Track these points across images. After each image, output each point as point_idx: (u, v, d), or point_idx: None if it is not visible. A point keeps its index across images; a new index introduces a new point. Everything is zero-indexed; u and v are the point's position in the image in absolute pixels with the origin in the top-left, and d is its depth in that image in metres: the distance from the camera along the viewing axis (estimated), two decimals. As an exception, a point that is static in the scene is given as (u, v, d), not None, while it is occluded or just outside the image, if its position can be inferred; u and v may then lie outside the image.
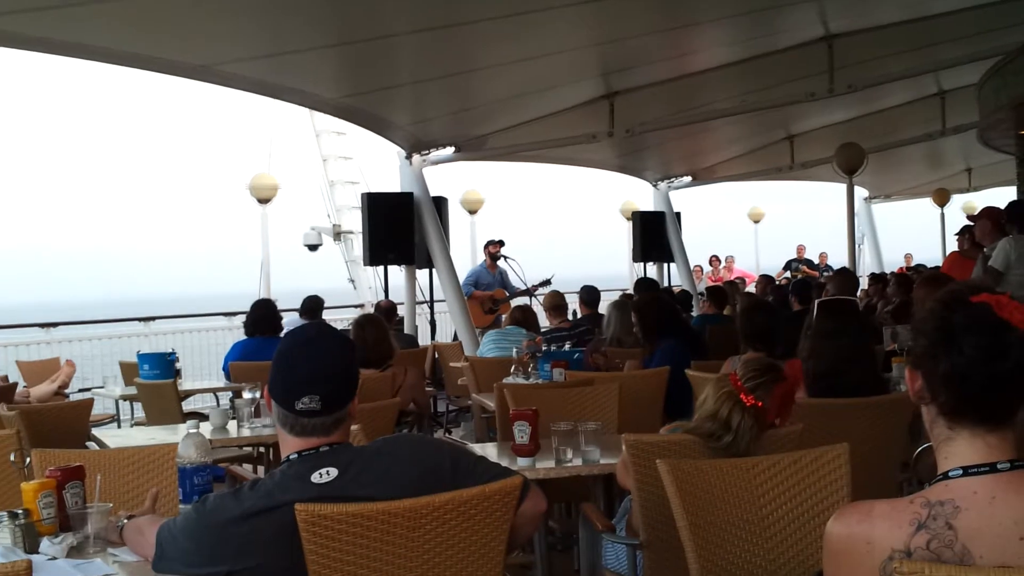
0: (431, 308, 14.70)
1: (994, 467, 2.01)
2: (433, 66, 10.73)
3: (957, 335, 2.01)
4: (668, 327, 7.32)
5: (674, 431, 4.10)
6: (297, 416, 2.88)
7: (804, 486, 3.33)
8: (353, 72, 10.78)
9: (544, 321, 10.44)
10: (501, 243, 14.73)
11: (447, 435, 10.20)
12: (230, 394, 8.41)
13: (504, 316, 12.31)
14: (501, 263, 14.81)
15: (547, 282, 14.81)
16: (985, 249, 9.40)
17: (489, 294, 14.44)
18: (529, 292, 14.61)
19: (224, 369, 9.04)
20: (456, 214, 16.63)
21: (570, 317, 10.25)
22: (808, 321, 5.88)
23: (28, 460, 3.90)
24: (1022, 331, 2.00)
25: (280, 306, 14.93)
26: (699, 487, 3.28)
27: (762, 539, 3.28)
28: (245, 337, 9.19)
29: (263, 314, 9.16)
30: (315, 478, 2.83)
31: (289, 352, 2.96)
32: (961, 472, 2.02)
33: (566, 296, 10.20)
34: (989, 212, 10.05)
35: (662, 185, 19.01)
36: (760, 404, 3.81)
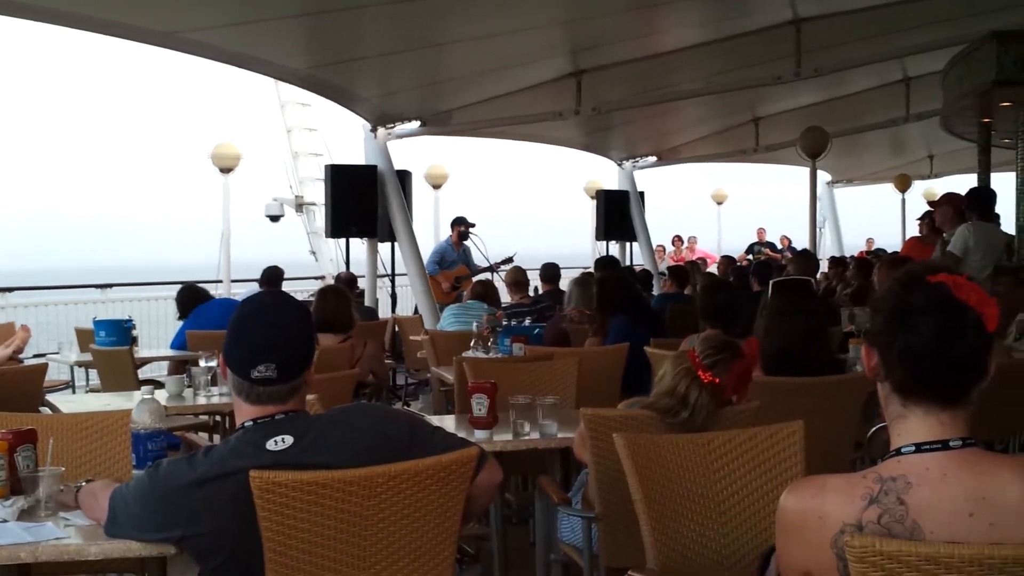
0: (392, 281, 14.68)
1: (946, 444, 2.02)
2: (400, 39, 10.66)
3: (914, 315, 2.02)
4: (624, 305, 7.32)
5: (632, 406, 4.11)
6: (252, 384, 2.85)
7: (759, 462, 3.35)
8: (320, 43, 10.71)
9: (505, 297, 10.44)
10: (472, 225, 14.69)
11: (405, 407, 10.19)
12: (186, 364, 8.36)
13: (466, 292, 12.30)
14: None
15: (509, 260, 14.81)
16: (944, 235, 9.48)
17: (453, 272, 14.43)
18: (491, 269, 14.62)
19: (172, 346, 9.00)
20: (420, 188, 16.60)
21: (531, 294, 10.26)
22: (764, 300, 5.91)
23: (-21, 423, 3.85)
24: (978, 312, 2.01)
25: (240, 276, 14.87)
26: (655, 461, 3.30)
27: (716, 513, 3.30)
28: (180, 321, 9.12)
29: (191, 291, 9.16)
30: (270, 445, 2.81)
31: (244, 320, 2.93)
32: (914, 448, 2.03)
33: (528, 273, 10.21)
34: (950, 198, 10.13)
35: (627, 164, 19.04)
36: (717, 381, 3.82)
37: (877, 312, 2.11)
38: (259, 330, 2.89)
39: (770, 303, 5.36)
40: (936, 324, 2.00)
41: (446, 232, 15.25)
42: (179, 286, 11.01)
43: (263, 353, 2.84)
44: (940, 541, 1.94)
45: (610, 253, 17.22)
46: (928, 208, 13.21)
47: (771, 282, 5.91)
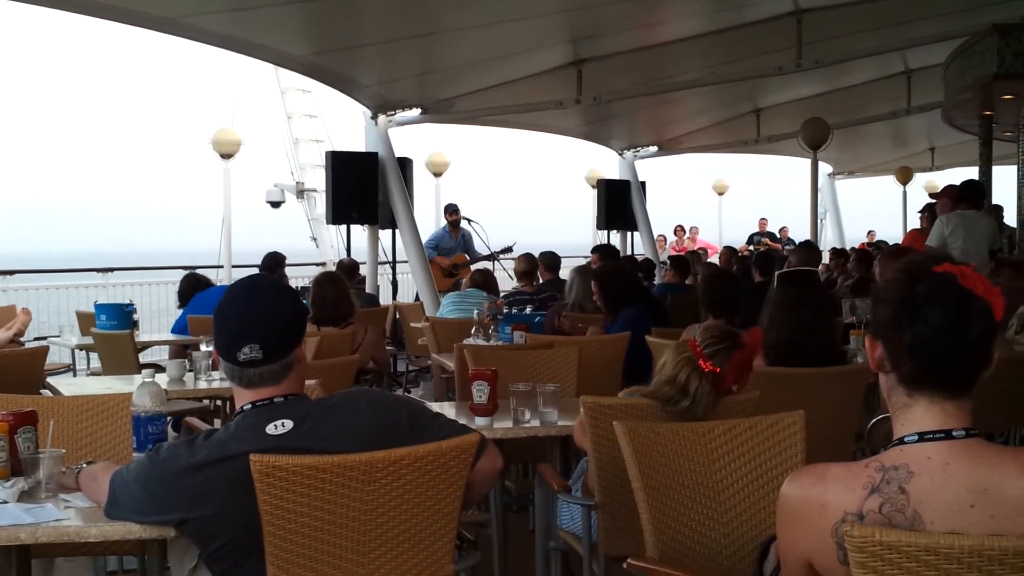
0: (393, 268, 14.69)
1: (949, 434, 2.03)
2: (401, 26, 10.66)
3: (922, 304, 2.02)
4: (629, 295, 7.30)
5: (632, 395, 4.10)
6: (242, 368, 2.86)
7: (759, 451, 3.35)
8: (320, 29, 10.69)
9: (505, 285, 10.43)
10: (455, 210, 14.68)
11: (406, 394, 10.19)
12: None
13: (464, 280, 12.32)
14: (465, 226, 14.78)
15: (508, 249, 14.83)
16: (941, 227, 9.48)
17: (449, 260, 14.43)
18: (491, 258, 14.61)
19: (173, 332, 9.02)
20: (421, 176, 16.60)
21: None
22: (770, 293, 5.89)
23: (-20, 405, 3.85)
24: (985, 300, 2.01)
25: (241, 263, 14.86)
26: (655, 449, 3.29)
27: (716, 502, 3.29)
28: (180, 310, 9.12)
29: (191, 280, 9.18)
30: (270, 429, 2.82)
31: (227, 305, 2.95)
32: (917, 438, 2.04)
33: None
34: (948, 190, 10.13)
35: (628, 154, 19.04)
36: (718, 370, 3.81)
37: (882, 303, 2.11)
38: (238, 312, 2.91)
39: (776, 295, 5.33)
40: (945, 313, 2.00)
41: (445, 221, 15.26)
42: (180, 271, 11.04)
43: (245, 334, 2.85)
44: (940, 532, 1.94)
45: (611, 243, 17.20)
46: (929, 201, 13.20)
47: (776, 274, 5.88)
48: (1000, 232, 10.34)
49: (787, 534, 2.14)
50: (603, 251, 11.83)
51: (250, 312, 2.90)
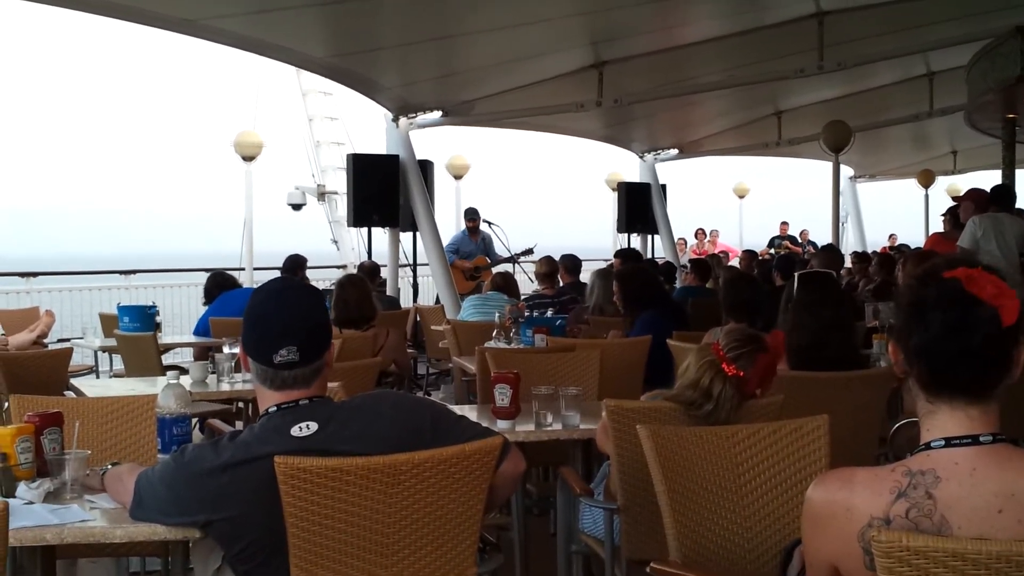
0: (414, 271, 14.71)
1: (976, 439, 2.02)
2: (422, 28, 10.68)
3: (927, 310, 2.02)
4: (650, 298, 7.30)
5: (654, 398, 4.10)
6: (276, 370, 2.86)
7: (783, 455, 3.34)
8: (340, 31, 10.73)
9: (525, 288, 10.41)
10: (474, 216, 14.68)
11: (427, 396, 10.18)
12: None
13: (485, 283, 12.32)
14: (485, 229, 14.79)
15: (529, 251, 14.82)
16: (966, 231, 9.43)
17: (471, 262, 14.44)
18: (512, 260, 14.61)
19: (195, 332, 9.04)
20: (441, 179, 16.61)
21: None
22: (787, 294, 5.85)
23: (6, 405, 3.89)
24: (992, 305, 2.00)
25: (262, 265, 14.93)
26: (678, 453, 3.28)
27: (740, 506, 3.29)
28: (205, 307, 9.15)
29: (218, 279, 9.20)
30: (295, 432, 2.82)
31: (260, 307, 2.94)
32: (943, 443, 2.03)
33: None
34: (972, 194, 10.08)
35: (648, 157, 19.03)
36: (742, 374, 3.80)
37: (897, 308, 2.12)
38: (276, 315, 2.90)
39: (796, 296, 5.30)
40: (944, 318, 2.00)
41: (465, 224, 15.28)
42: (202, 274, 11.07)
43: (283, 337, 2.85)
44: (968, 537, 1.93)
45: (631, 246, 17.18)
46: (952, 204, 13.14)
47: (796, 275, 5.85)
48: None
49: (813, 538, 2.13)
50: (626, 255, 11.80)
51: (285, 314, 2.90)
